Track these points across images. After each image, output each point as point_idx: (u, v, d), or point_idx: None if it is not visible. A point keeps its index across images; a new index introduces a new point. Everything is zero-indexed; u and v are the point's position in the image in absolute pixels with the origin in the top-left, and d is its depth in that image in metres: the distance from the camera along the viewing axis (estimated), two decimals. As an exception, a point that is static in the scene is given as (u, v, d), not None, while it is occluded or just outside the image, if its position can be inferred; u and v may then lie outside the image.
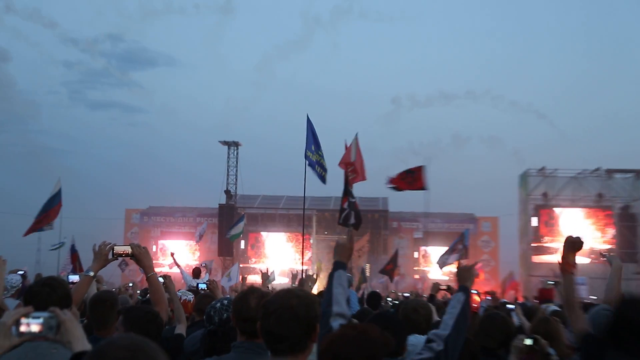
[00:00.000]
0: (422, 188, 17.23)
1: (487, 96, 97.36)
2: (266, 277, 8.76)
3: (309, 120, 13.29)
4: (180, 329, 5.20)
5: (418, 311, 4.87)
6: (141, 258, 4.48)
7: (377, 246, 41.04)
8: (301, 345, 2.63)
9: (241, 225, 26.70)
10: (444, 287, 8.35)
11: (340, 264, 3.59)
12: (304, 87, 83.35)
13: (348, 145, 18.05)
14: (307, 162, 13.05)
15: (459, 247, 25.99)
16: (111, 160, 77.95)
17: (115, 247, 4.51)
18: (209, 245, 41.64)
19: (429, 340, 3.36)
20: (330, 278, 3.56)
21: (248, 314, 3.20)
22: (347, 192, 17.62)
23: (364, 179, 17.18)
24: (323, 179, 13.10)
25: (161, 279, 5.36)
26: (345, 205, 17.86)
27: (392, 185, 17.01)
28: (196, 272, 14.69)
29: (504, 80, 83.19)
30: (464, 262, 3.84)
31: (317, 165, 12.96)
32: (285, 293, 2.73)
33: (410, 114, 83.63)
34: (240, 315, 3.22)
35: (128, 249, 4.49)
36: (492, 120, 79.00)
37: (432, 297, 7.89)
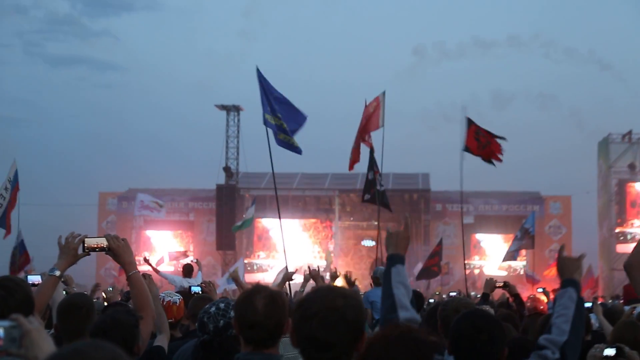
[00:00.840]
0: (495, 158, 17.23)
1: (535, 42, 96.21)
2: (307, 278, 8.87)
3: (259, 73, 13.31)
4: (161, 340, 5.25)
5: (460, 312, 4.87)
6: (120, 253, 4.49)
7: (416, 235, 41.10)
8: (348, 355, 2.71)
9: (251, 211, 26.90)
10: (501, 284, 8.39)
11: (396, 258, 3.64)
12: (319, 36, 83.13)
13: (367, 104, 18.17)
14: (267, 128, 13.16)
15: (521, 235, 25.93)
16: (79, 131, 78.68)
17: (86, 239, 4.51)
18: (205, 236, 42.01)
19: (539, 347, 3.39)
20: (387, 276, 3.59)
21: (254, 318, 3.23)
22: (373, 162, 17.87)
23: (377, 127, 17.49)
24: (296, 148, 13.26)
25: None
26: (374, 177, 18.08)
27: (466, 147, 17.21)
28: (187, 270, 14.82)
29: (556, 23, 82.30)
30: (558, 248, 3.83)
31: (280, 131, 13.03)
32: (326, 292, 2.80)
33: (437, 68, 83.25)
34: (244, 320, 3.26)
35: (103, 242, 4.49)
36: (542, 74, 78.46)
37: (485, 297, 7.93)
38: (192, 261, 18.71)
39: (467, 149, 17.44)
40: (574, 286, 3.56)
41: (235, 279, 8.80)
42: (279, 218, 14.97)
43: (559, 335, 3.38)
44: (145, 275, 5.59)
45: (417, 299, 11.31)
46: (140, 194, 33.12)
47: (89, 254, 4.51)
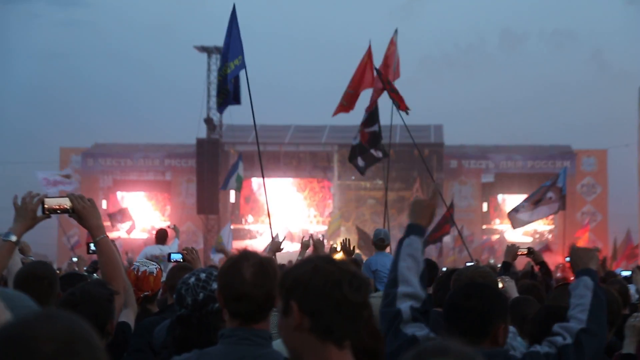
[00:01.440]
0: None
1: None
2: (321, 244, 8.91)
3: (234, 14, 13.80)
4: (126, 315, 5.29)
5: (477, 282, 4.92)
6: (86, 215, 4.48)
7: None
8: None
9: (239, 170, 26.90)
10: (524, 252, 8.41)
11: (415, 228, 3.71)
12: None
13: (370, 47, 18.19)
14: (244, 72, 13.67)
15: (547, 195, 25.87)
16: (36, 77, 78.21)
17: (46, 199, 4.48)
18: (184, 198, 42.11)
19: (552, 333, 3.51)
20: (399, 247, 3.67)
21: (241, 289, 3.24)
22: (373, 117, 17.91)
23: (397, 76, 17.63)
24: (235, 97, 13.72)
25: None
26: (367, 130, 18.16)
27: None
28: (160, 236, 14.82)
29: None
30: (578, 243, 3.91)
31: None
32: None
33: (436, 4, 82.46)
34: (230, 291, 3.27)
35: (65, 202, 4.47)
36: (558, 8, 77.96)
37: (507, 266, 7.97)
38: (168, 227, 18.71)
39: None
40: (589, 274, 3.65)
41: (221, 250, 8.79)
42: (262, 177, 15.01)
43: (576, 324, 3.49)
44: (113, 242, 5.59)
45: (430, 270, 11.38)
46: (39, 173, 32.58)
47: (50, 217, 4.50)
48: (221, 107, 14.68)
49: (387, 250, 12.18)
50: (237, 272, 3.29)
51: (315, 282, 2.57)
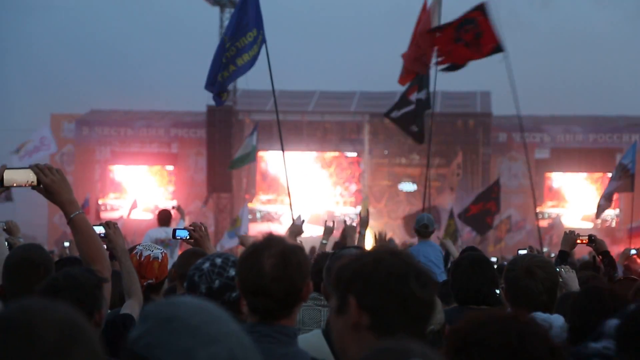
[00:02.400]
0: (495, 51, 17.50)
1: None
2: (352, 230, 8.98)
3: None
4: (130, 306, 5.32)
5: (534, 273, 4.94)
6: (55, 189, 4.48)
7: (472, 172, 41.16)
8: None
9: (251, 141, 26.90)
10: (584, 240, 8.37)
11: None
12: None
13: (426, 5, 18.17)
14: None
15: (613, 174, 25.82)
16: (22, 31, 78.44)
17: (6, 171, 4.48)
18: (192, 174, 42.27)
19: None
20: None
21: (259, 283, 3.29)
22: (422, 81, 17.97)
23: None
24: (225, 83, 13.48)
25: (100, 229, 5.40)
26: (413, 97, 18.25)
27: (444, 65, 17.58)
28: (164, 217, 14.99)
29: None
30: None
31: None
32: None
33: None
34: (247, 285, 3.32)
35: (28, 175, 4.43)
36: None
37: (563, 256, 7.96)
38: (173, 207, 18.84)
39: (453, 65, 17.48)
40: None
41: (243, 242, 8.75)
42: (282, 150, 14.99)
43: None
44: (109, 223, 5.60)
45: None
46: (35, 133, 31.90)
47: (9, 189, 4.53)
48: (211, 86, 14.20)
49: (432, 238, 12.18)
50: (255, 264, 3.32)
51: (378, 276, 2.58)
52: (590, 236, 8.46)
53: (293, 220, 9.44)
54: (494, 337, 2.42)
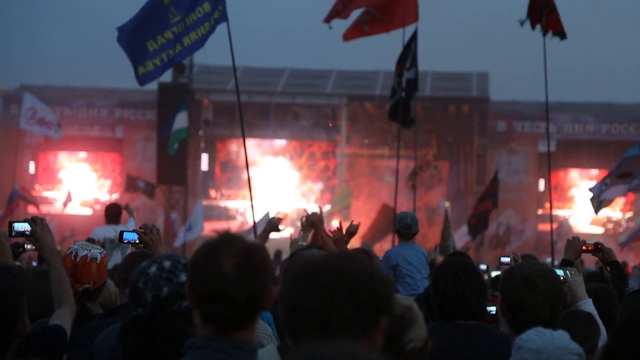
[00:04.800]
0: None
1: None
2: (320, 222, 9.00)
3: None
4: (61, 316, 5.32)
5: (534, 284, 4.97)
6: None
7: (466, 166, 41.28)
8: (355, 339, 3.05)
9: (183, 117, 26.93)
10: (590, 247, 8.40)
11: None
12: None
13: None
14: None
15: (626, 169, 25.88)
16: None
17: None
18: (140, 162, 42.14)
19: None
20: None
21: (219, 287, 3.29)
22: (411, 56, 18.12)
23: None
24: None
25: (24, 225, 5.46)
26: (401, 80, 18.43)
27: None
28: (112, 213, 15.03)
29: None
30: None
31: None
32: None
33: None
34: (203, 289, 3.31)
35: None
36: None
37: (566, 264, 8.01)
38: (123, 207, 18.90)
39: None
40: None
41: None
42: (243, 137, 15.04)
43: None
44: (37, 220, 5.61)
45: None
46: (28, 97, 32.63)
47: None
48: (144, 78, 14.08)
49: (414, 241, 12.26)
50: (213, 264, 3.31)
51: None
52: (596, 244, 8.48)
53: (268, 216, 9.45)
54: None
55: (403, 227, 11.90)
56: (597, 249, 8.41)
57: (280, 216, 9.29)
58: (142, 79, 13.89)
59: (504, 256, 8.78)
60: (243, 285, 3.27)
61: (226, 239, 3.37)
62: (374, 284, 2.93)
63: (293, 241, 9.51)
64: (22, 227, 5.49)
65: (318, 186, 42.72)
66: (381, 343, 2.93)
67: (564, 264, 8.02)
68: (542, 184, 42.04)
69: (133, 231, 6.63)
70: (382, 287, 2.96)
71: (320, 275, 2.89)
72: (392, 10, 18.24)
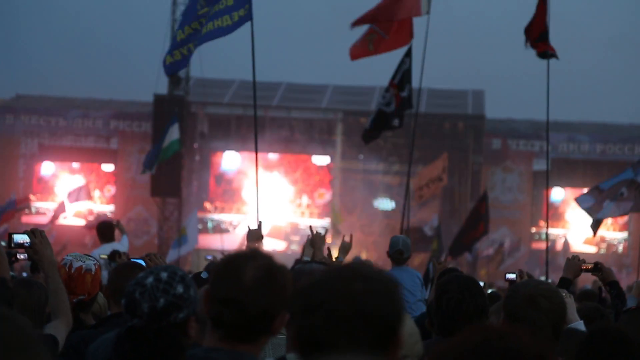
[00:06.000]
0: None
1: None
2: (321, 240, 9.04)
3: None
4: (55, 327, 5.30)
5: (537, 303, 4.95)
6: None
7: (459, 186, 41.27)
8: None
9: (174, 130, 26.98)
10: (589, 267, 8.40)
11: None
12: None
13: None
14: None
15: (619, 192, 25.83)
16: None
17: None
18: (134, 174, 42.08)
19: None
20: None
21: (234, 292, 3.31)
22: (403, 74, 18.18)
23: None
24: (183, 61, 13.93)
25: (23, 237, 5.48)
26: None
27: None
28: (105, 231, 14.92)
29: None
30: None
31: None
32: (339, 272, 2.96)
33: None
34: (219, 292, 3.34)
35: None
36: None
37: (566, 283, 8.00)
38: (114, 223, 18.84)
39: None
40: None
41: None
42: (256, 152, 15.13)
43: None
44: (36, 232, 5.61)
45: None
46: None
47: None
48: (171, 67, 14.64)
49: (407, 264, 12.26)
50: (234, 271, 3.35)
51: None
52: (596, 263, 8.48)
53: (249, 227, 9.37)
54: None
55: (395, 253, 11.85)
56: (597, 268, 8.42)
57: (256, 225, 9.20)
58: (168, 68, 14.41)
59: (509, 272, 8.78)
60: (258, 298, 3.29)
61: (253, 253, 3.45)
62: (385, 302, 2.83)
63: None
64: (21, 238, 5.49)
65: (316, 201, 42.69)
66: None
67: (562, 283, 8.03)
68: (536, 203, 42.14)
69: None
70: (392, 302, 2.86)
71: (331, 304, 2.78)
72: (396, 29, 18.27)
